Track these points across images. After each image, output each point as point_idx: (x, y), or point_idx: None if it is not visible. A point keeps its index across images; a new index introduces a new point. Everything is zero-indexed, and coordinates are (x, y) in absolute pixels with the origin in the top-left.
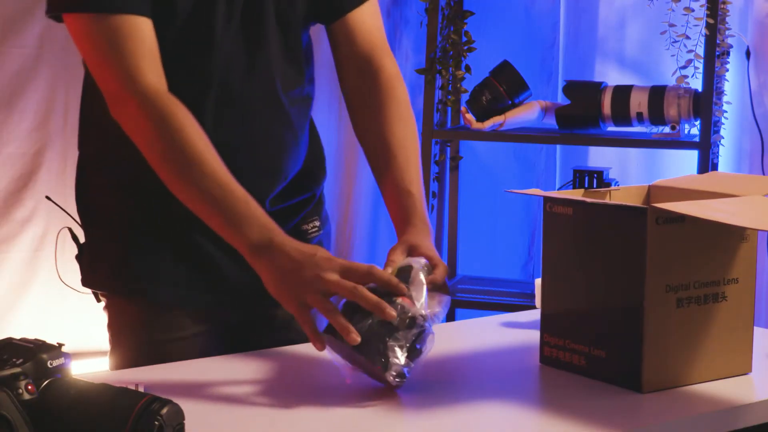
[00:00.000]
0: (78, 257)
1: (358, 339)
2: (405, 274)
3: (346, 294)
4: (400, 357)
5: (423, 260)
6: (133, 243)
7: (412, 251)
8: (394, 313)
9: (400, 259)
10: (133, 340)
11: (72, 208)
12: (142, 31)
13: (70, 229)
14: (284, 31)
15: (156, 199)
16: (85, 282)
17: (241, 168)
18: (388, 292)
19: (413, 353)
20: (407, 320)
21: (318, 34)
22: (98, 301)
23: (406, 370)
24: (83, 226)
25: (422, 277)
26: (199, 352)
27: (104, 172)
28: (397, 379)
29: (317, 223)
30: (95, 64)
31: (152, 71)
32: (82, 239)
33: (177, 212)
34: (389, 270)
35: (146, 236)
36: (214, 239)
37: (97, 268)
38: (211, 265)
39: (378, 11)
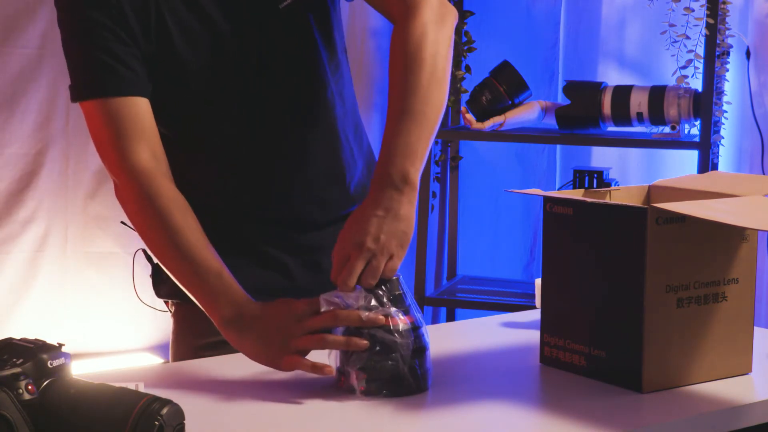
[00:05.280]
0: (152, 275)
1: (365, 342)
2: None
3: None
4: (354, 377)
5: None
6: None
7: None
8: (365, 342)
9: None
10: (196, 341)
11: (73, 209)
12: (137, 111)
13: (144, 251)
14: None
15: (208, 216)
16: (158, 292)
17: (294, 182)
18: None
19: (376, 371)
20: (375, 344)
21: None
22: (170, 310)
23: (360, 391)
24: None
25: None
26: None
27: None
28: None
29: None
30: (97, 144)
31: (145, 150)
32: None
33: (239, 229)
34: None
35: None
36: (274, 245)
37: (167, 279)
38: (280, 269)
39: None
